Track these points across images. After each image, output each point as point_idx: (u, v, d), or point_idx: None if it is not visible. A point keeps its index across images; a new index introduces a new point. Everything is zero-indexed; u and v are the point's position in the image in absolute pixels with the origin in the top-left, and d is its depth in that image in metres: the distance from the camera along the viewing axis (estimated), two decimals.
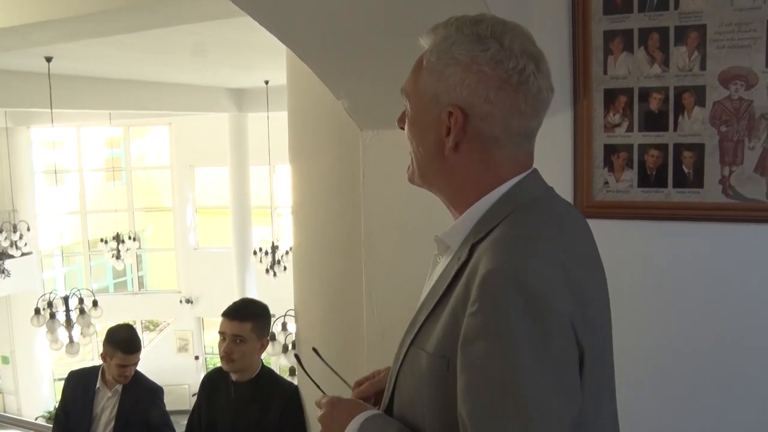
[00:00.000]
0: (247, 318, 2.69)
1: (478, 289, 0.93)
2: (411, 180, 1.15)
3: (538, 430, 0.88)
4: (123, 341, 3.33)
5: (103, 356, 3.36)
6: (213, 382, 2.86)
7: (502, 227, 1.00)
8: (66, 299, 6.73)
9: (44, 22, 3.83)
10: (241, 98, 11.69)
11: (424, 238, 1.99)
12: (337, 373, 1.38)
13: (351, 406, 1.15)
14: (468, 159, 1.04)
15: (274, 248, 10.34)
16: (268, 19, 1.69)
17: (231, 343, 2.66)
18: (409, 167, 1.14)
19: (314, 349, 1.47)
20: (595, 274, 1.08)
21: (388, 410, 1.13)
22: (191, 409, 2.99)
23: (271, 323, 2.86)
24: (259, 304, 2.86)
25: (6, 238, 11.45)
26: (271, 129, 10.46)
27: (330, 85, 1.93)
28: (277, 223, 12.97)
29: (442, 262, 1.12)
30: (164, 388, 3.63)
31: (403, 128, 1.14)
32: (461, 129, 1.02)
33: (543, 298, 0.91)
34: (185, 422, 2.98)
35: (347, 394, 1.36)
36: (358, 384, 1.32)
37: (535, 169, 1.09)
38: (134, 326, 3.55)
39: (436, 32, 1.06)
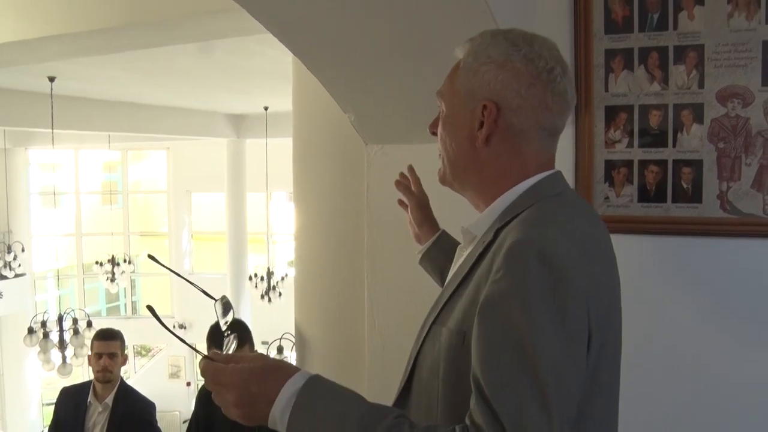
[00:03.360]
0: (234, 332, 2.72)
1: (503, 258, 0.98)
2: (442, 180, 1.21)
3: (552, 394, 0.91)
4: (98, 331, 3.54)
5: (89, 358, 3.43)
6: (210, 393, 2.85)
7: (528, 212, 1.06)
8: (60, 319, 6.69)
9: (51, 37, 3.88)
10: (239, 124, 11.77)
11: None
12: (174, 333, 1.18)
13: (275, 372, 0.97)
14: (498, 152, 1.11)
15: (270, 274, 10.32)
16: (282, 31, 1.74)
17: None
18: (440, 169, 1.21)
19: (149, 307, 1.18)
20: (612, 267, 1.12)
21: (406, 390, 1.15)
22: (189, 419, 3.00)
23: (251, 336, 2.88)
24: (240, 323, 2.94)
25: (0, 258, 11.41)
26: (269, 155, 10.53)
27: (338, 98, 1.97)
28: (273, 250, 12.97)
29: (467, 252, 1.16)
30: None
31: (434, 133, 1.21)
32: (494, 121, 1.09)
33: (565, 269, 0.96)
34: None
35: None
36: None
37: (559, 171, 1.16)
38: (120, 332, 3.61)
39: (472, 41, 1.15)
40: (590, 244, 1.05)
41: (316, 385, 0.97)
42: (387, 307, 2.14)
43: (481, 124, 1.10)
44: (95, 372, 3.37)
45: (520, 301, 0.95)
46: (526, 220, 1.04)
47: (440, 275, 1.55)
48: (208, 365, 0.99)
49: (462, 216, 1.22)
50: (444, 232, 1.61)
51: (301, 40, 1.80)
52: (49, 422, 3.57)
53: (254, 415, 0.96)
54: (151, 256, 1.34)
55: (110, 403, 3.35)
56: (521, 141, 1.11)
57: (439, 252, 1.58)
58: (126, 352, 3.57)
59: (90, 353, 3.46)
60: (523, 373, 0.92)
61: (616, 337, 1.12)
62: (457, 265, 1.17)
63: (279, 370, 0.97)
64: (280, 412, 0.94)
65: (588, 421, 1.02)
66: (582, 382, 0.98)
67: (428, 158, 2.04)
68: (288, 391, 0.94)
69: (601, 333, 1.01)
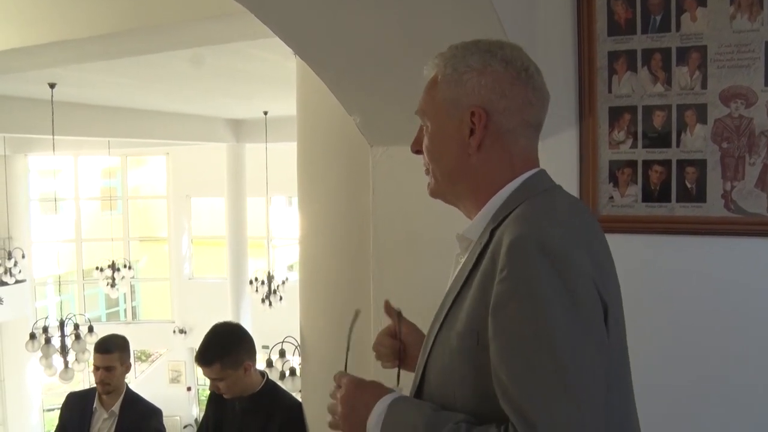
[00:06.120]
0: (213, 360, 2.67)
1: (505, 256, 1.00)
2: (433, 193, 1.23)
3: (577, 382, 0.93)
4: (97, 341, 3.43)
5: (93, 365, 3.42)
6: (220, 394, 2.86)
7: (520, 208, 1.09)
8: (62, 324, 6.70)
9: (52, 44, 3.89)
10: (239, 129, 11.78)
11: (433, 252, 2.03)
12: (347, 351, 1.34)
13: (376, 388, 1.16)
14: (489, 156, 1.14)
15: (270, 278, 10.32)
16: (288, 34, 1.75)
17: (213, 382, 2.72)
18: (429, 183, 1.22)
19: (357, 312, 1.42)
20: (607, 255, 1.14)
21: (417, 397, 1.17)
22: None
23: (247, 346, 2.75)
24: (222, 340, 2.76)
25: (0, 264, 11.41)
26: (269, 160, 10.54)
27: (343, 100, 1.98)
28: (273, 254, 12.97)
29: (464, 257, 1.17)
30: None
31: (418, 152, 1.23)
32: (484, 126, 1.12)
33: (567, 257, 0.99)
34: None
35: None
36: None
37: (544, 169, 1.18)
38: (125, 338, 3.51)
39: (442, 56, 1.18)
40: (584, 232, 1.08)
41: (405, 400, 1.14)
42: None
43: (472, 131, 1.13)
44: (97, 384, 3.37)
45: (529, 294, 0.97)
46: (520, 216, 1.06)
47: None
48: (339, 372, 1.23)
49: (460, 222, 1.23)
50: None
51: (307, 43, 1.82)
52: (50, 428, 3.58)
53: (354, 414, 1.15)
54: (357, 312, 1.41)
55: (117, 411, 3.34)
56: (510, 140, 1.14)
57: None
58: (129, 360, 3.54)
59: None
60: (547, 367, 0.94)
61: (622, 319, 1.14)
62: (456, 272, 1.18)
63: (378, 386, 1.17)
64: (377, 414, 1.11)
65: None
66: (607, 357, 1.00)
67: None
68: (385, 401, 1.12)
69: (612, 309, 1.04)
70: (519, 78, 1.12)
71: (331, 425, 1.21)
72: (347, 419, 1.16)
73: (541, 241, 0.99)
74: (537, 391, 0.94)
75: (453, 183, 1.18)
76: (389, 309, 1.43)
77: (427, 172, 1.22)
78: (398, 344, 1.39)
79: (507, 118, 1.12)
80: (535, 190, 1.12)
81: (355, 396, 1.16)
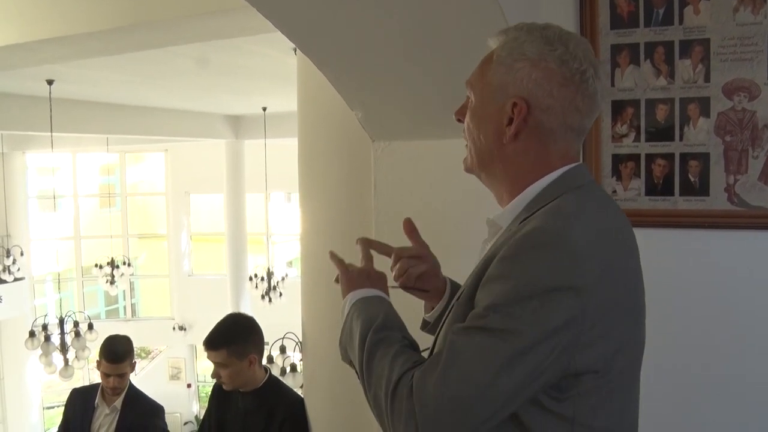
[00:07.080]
0: (221, 345, 2.70)
1: (518, 239, 1.00)
2: (469, 169, 1.22)
3: (478, 386, 0.96)
4: (107, 349, 3.39)
5: (98, 364, 3.40)
6: (222, 389, 2.86)
7: (553, 204, 1.07)
8: (61, 321, 6.69)
9: (50, 39, 3.88)
10: (238, 125, 11.76)
11: (435, 247, 2.02)
12: None
13: (383, 285, 1.32)
14: (525, 148, 1.12)
15: (270, 274, 10.33)
16: (291, 30, 1.74)
17: (216, 368, 2.74)
18: (466, 158, 1.22)
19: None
20: (630, 260, 1.12)
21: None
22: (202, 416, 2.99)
23: (256, 339, 2.80)
24: (233, 328, 2.80)
25: None
26: (268, 156, 10.54)
27: (345, 95, 1.98)
28: (272, 251, 12.97)
29: (491, 243, 1.17)
30: None
31: (461, 120, 1.22)
32: (523, 119, 1.10)
33: (573, 262, 0.98)
34: None
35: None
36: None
37: (582, 163, 1.17)
38: (130, 339, 3.52)
39: (507, 33, 1.15)
40: (607, 237, 1.06)
41: (383, 300, 1.28)
42: (395, 305, 2.14)
43: (510, 120, 1.11)
44: (105, 387, 3.37)
45: (519, 282, 0.98)
46: (549, 211, 1.05)
47: None
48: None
49: (485, 210, 1.22)
50: (451, 282, 1.48)
51: (309, 38, 1.81)
52: (49, 426, 3.59)
53: (347, 285, 1.33)
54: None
55: (119, 407, 3.35)
56: (548, 139, 1.12)
57: None
58: (134, 359, 3.54)
59: (98, 361, 3.42)
60: (478, 354, 0.97)
61: (635, 329, 1.11)
62: (481, 257, 1.17)
63: (385, 286, 1.33)
64: (363, 292, 1.29)
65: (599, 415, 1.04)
66: (543, 375, 0.98)
67: (435, 154, 2.06)
68: (367, 291, 1.29)
69: (617, 329, 1.03)
70: (571, 80, 1.09)
71: (338, 267, 1.40)
72: (350, 280, 1.33)
73: (555, 239, 0.99)
74: (457, 367, 0.97)
75: (486, 163, 1.18)
76: (410, 226, 1.48)
77: (467, 146, 1.21)
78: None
79: (548, 117, 1.10)
80: (572, 185, 1.11)
81: (370, 276, 1.33)
